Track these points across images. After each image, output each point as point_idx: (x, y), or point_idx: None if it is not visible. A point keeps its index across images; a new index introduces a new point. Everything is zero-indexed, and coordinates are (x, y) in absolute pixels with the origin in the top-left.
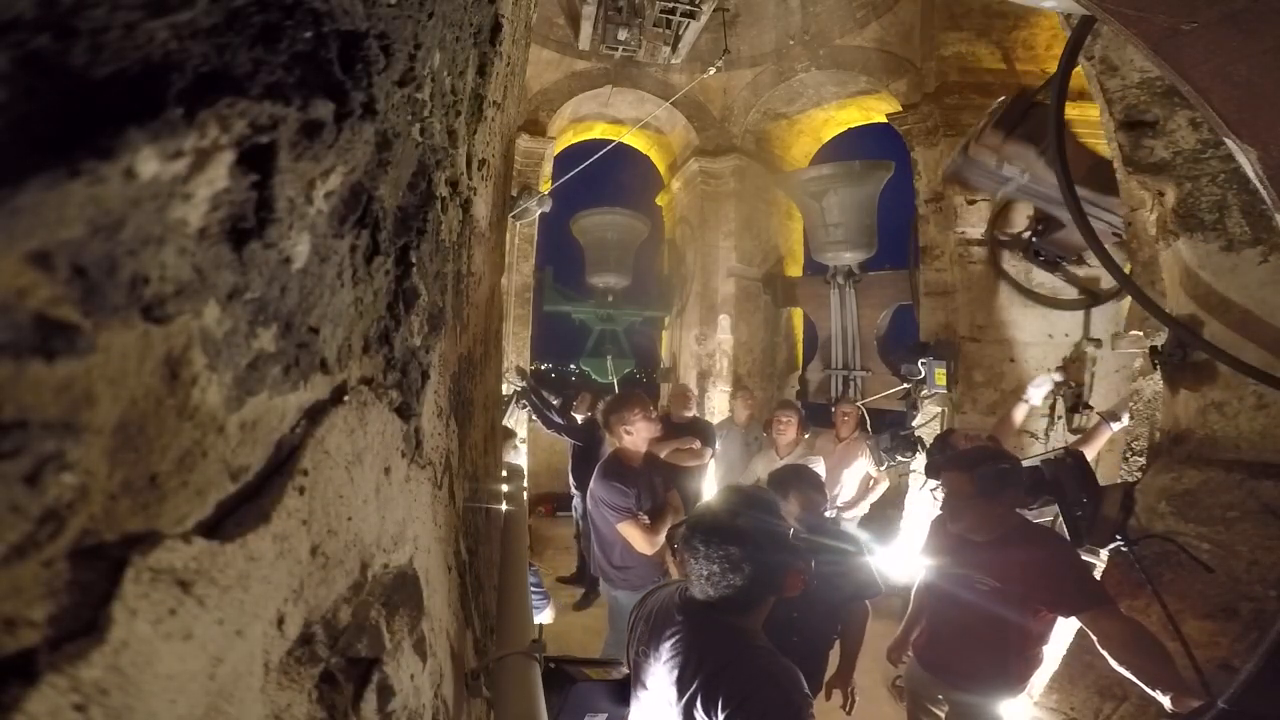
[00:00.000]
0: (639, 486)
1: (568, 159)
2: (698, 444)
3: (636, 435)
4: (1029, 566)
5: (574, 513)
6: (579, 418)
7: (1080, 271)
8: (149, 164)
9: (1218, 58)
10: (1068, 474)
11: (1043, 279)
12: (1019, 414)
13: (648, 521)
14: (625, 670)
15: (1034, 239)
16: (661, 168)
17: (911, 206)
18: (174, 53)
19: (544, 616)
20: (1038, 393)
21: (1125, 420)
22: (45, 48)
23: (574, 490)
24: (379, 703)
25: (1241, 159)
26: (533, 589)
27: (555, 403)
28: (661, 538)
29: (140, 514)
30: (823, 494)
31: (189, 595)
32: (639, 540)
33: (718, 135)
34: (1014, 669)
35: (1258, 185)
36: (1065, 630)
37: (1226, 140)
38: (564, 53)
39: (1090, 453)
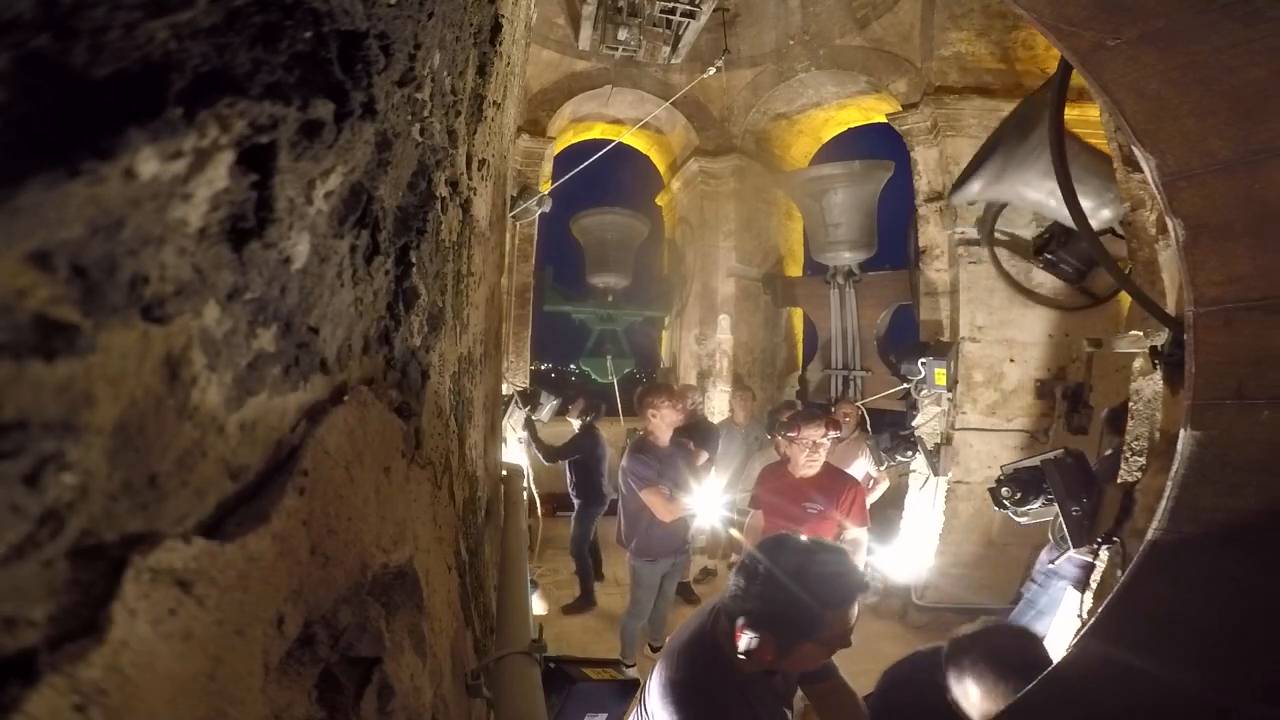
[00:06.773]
0: (661, 462)
1: (568, 159)
2: (691, 445)
3: (661, 419)
4: (845, 490)
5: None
6: (575, 423)
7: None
8: (149, 164)
9: (1135, 73)
10: (1067, 473)
11: (1043, 279)
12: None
13: (667, 492)
14: (629, 671)
15: (1049, 254)
16: (661, 168)
17: (911, 206)
18: (174, 53)
19: (536, 608)
20: None
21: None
22: (45, 48)
23: (574, 500)
24: (379, 703)
25: (1143, 165)
26: None
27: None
28: (679, 509)
29: (140, 514)
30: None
31: (189, 595)
32: (659, 507)
33: (718, 135)
34: None
35: (1154, 189)
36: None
37: (1133, 147)
38: (564, 53)
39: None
